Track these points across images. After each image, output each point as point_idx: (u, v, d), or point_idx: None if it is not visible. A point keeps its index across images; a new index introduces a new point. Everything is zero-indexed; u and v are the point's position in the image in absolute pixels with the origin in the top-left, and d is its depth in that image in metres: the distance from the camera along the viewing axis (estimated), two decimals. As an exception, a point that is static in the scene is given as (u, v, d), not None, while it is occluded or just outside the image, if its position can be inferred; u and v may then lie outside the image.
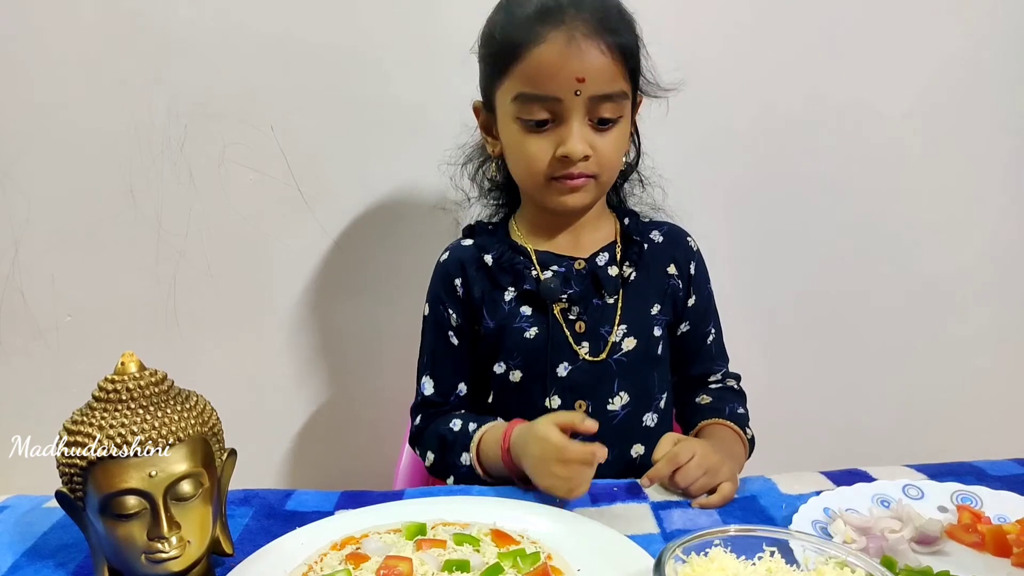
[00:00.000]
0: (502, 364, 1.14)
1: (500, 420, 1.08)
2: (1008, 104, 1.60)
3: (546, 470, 0.91)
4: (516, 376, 1.13)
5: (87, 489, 0.72)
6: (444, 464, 1.10)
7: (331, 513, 0.91)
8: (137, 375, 0.74)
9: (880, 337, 1.70)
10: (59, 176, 1.45)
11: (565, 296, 1.11)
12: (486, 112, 1.14)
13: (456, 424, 1.10)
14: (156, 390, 0.74)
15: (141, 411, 0.73)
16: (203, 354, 1.54)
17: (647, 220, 1.23)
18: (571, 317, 1.12)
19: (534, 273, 1.13)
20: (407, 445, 1.28)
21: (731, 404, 1.19)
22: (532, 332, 1.12)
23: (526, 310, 1.13)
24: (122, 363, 0.75)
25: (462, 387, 1.19)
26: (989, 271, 1.70)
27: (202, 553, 0.75)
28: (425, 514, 0.88)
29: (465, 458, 1.05)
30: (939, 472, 0.99)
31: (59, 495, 0.75)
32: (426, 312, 1.20)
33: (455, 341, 1.18)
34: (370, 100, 1.47)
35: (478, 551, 0.79)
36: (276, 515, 0.92)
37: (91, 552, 0.75)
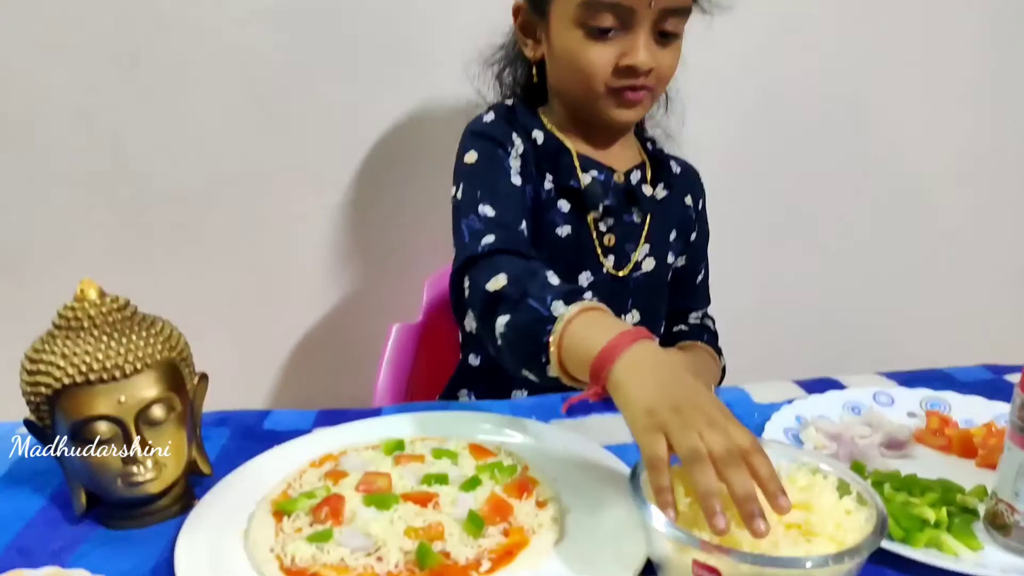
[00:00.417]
0: None
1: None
2: None
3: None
4: (553, 278, 0.91)
5: (55, 417, 0.71)
6: (516, 300, 0.81)
7: (309, 431, 0.91)
8: (97, 302, 0.72)
9: (853, 245, 1.72)
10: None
11: (602, 207, 1.09)
12: (532, 14, 1.08)
13: (552, 277, 0.84)
14: (119, 316, 0.73)
15: (105, 338, 0.71)
16: (171, 279, 1.50)
17: (661, 148, 1.23)
18: (602, 228, 1.11)
19: (578, 172, 1.10)
20: (385, 363, 1.28)
21: (708, 335, 1.25)
22: (565, 231, 1.09)
23: (563, 205, 1.10)
24: (81, 290, 0.73)
25: (524, 228, 1.02)
26: (962, 177, 1.71)
27: (179, 474, 0.75)
28: (403, 430, 0.88)
29: (558, 307, 0.76)
30: (909, 379, 1.01)
31: (27, 423, 0.74)
32: (471, 159, 1.06)
33: (517, 181, 1.05)
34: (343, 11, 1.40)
35: (456, 464, 0.80)
36: (253, 435, 0.91)
37: (66, 478, 0.75)
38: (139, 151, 1.43)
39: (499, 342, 0.83)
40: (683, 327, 1.27)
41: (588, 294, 0.78)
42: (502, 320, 0.82)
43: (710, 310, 1.31)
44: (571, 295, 0.77)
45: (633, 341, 0.69)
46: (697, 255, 1.27)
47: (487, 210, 0.99)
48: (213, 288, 1.53)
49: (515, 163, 1.06)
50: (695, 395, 0.64)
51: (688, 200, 1.22)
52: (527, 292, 0.80)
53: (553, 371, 0.76)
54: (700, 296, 1.29)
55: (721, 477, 0.59)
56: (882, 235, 1.73)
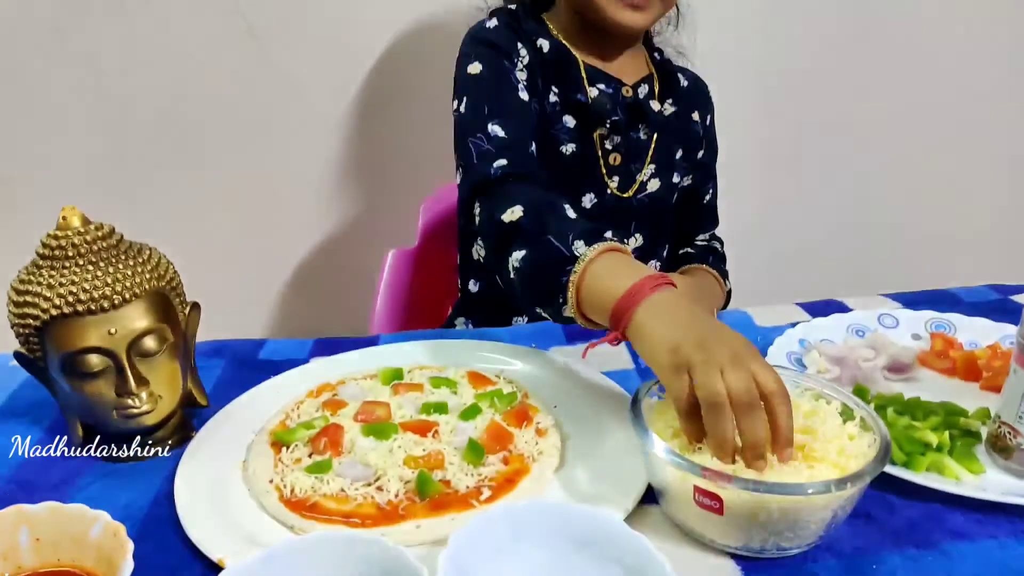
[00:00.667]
0: None
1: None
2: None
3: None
4: (571, 211, 0.85)
5: (45, 349, 0.70)
6: (534, 234, 0.78)
7: (305, 361, 0.90)
8: (81, 229, 0.70)
9: (860, 165, 1.68)
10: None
11: (609, 123, 1.05)
12: None
13: (570, 210, 0.80)
14: (104, 244, 0.70)
15: (91, 267, 0.69)
16: (157, 205, 1.47)
17: (669, 59, 1.17)
18: (608, 146, 1.07)
19: (584, 85, 1.05)
20: (382, 289, 1.26)
21: (714, 257, 1.22)
22: (569, 148, 1.05)
23: (569, 121, 1.05)
24: (63, 217, 0.70)
25: (534, 150, 0.97)
26: (976, 100, 1.66)
27: (175, 406, 0.75)
28: (401, 359, 0.87)
29: (580, 247, 0.72)
30: (914, 300, 0.99)
31: (18, 355, 0.73)
32: (475, 71, 1.00)
33: (524, 97, 1.00)
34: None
35: (455, 393, 0.79)
36: (249, 365, 0.90)
37: (61, 410, 0.74)
38: (119, 69, 1.37)
39: (512, 276, 0.80)
40: (689, 249, 1.23)
41: (608, 233, 0.75)
42: (518, 255, 0.79)
43: (718, 231, 1.28)
44: (592, 234, 0.74)
45: (656, 287, 0.66)
46: (704, 174, 1.22)
47: (496, 129, 0.94)
48: (203, 214, 1.49)
49: (522, 76, 1.01)
50: (719, 331, 0.62)
51: (696, 116, 1.17)
52: (546, 227, 0.77)
53: (569, 312, 0.73)
54: (707, 217, 1.25)
55: (736, 420, 0.57)
56: (890, 155, 1.68)
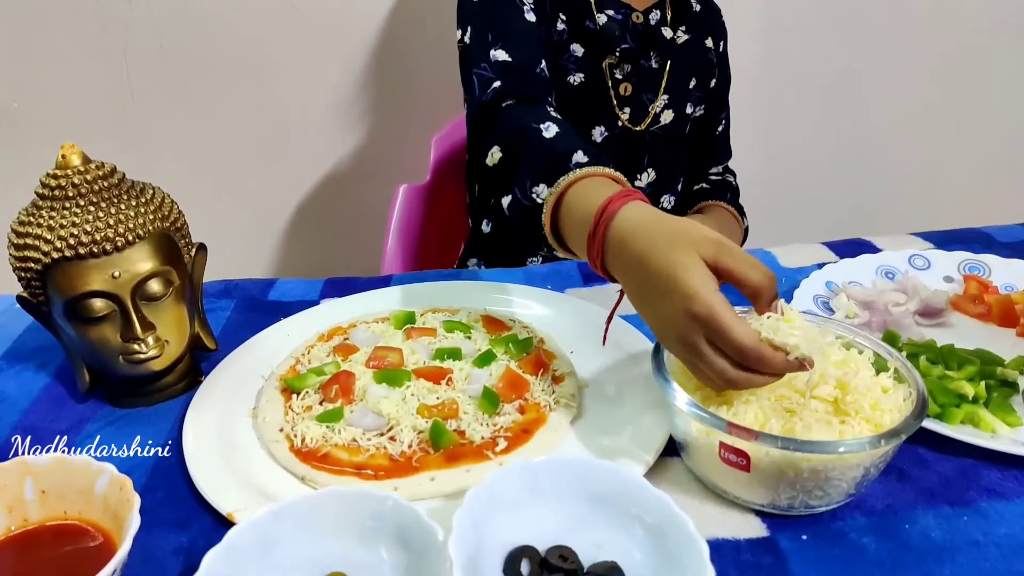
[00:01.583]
0: None
1: (610, 169, 0.70)
2: None
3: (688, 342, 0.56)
4: (549, 131, 0.78)
5: (48, 293, 0.67)
6: (510, 178, 0.75)
7: (316, 302, 0.88)
8: (81, 168, 0.67)
9: (888, 97, 1.61)
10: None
11: (619, 50, 1.00)
12: None
13: (550, 130, 0.75)
14: (105, 184, 0.67)
15: (92, 208, 0.66)
16: (160, 141, 1.42)
17: None
18: (618, 76, 1.02)
19: (593, 11, 0.99)
20: (393, 226, 1.23)
21: (729, 192, 1.18)
22: (577, 78, 1.00)
23: (577, 49, 1.00)
24: (63, 156, 0.67)
25: (544, 69, 0.93)
26: (1001, 39, 1.57)
27: (183, 351, 0.73)
28: (413, 301, 0.85)
29: (541, 192, 0.69)
30: (946, 239, 0.95)
31: (20, 299, 0.70)
32: None
33: (531, 18, 0.95)
34: None
35: (469, 338, 0.77)
36: (259, 306, 0.88)
37: (67, 355, 0.73)
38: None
39: (508, 222, 0.77)
40: (704, 184, 1.19)
41: (579, 153, 0.69)
42: (505, 201, 0.75)
43: (731, 164, 1.23)
44: (555, 166, 0.69)
45: (621, 205, 0.61)
46: (717, 103, 1.17)
47: (499, 54, 0.90)
48: (207, 150, 1.45)
49: None
50: (664, 308, 0.56)
51: (709, 42, 1.11)
52: (517, 169, 0.74)
53: (561, 254, 0.71)
54: (720, 149, 1.21)
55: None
56: (921, 85, 1.61)
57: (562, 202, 0.67)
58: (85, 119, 1.38)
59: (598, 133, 1.03)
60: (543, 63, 0.92)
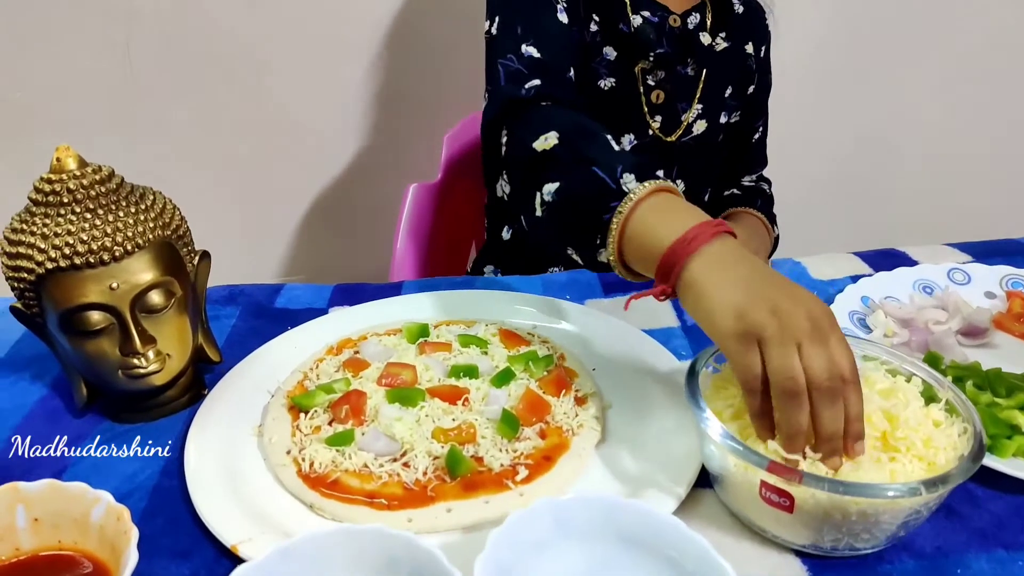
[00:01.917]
0: None
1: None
2: None
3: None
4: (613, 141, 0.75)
5: (42, 304, 0.64)
6: (571, 163, 0.69)
7: (324, 310, 0.84)
8: (78, 172, 0.63)
9: (920, 98, 1.56)
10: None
11: (653, 55, 0.95)
12: None
13: (613, 141, 0.71)
14: (103, 189, 0.64)
15: (89, 215, 0.62)
16: (162, 142, 1.38)
17: None
18: (650, 83, 0.97)
19: (628, 12, 0.95)
20: (402, 227, 1.19)
21: (762, 200, 1.13)
22: (608, 83, 0.96)
23: (609, 53, 0.95)
24: (57, 159, 0.63)
25: (572, 76, 0.89)
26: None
27: (185, 364, 0.69)
28: (426, 312, 0.81)
29: (629, 182, 0.62)
30: (986, 251, 0.91)
31: (14, 310, 0.67)
32: None
33: (563, 19, 0.90)
34: None
35: (486, 354, 0.73)
36: (265, 314, 0.85)
37: (63, 368, 0.69)
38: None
39: (540, 213, 0.70)
40: (735, 191, 1.15)
41: (661, 172, 0.65)
42: (550, 187, 0.69)
43: (766, 172, 1.19)
44: (642, 169, 0.63)
45: (716, 234, 0.57)
46: (755, 110, 1.12)
47: (530, 50, 0.85)
48: (211, 148, 1.41)
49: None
50: (793, 292, 0.53)
51: (749, 48, 1.06)
52: (586, 156, 0.66)
53: (607, 256, 0.64)
54: (756, 157, 1.16)
55: (812, 407, 0.50)
56: (957, 89, 1.55)
57: (649, 199, 0.61)
58: (88, 111, 1.34)
59: (627, 141, 0.99)
60: (572, 70, 0.88)
